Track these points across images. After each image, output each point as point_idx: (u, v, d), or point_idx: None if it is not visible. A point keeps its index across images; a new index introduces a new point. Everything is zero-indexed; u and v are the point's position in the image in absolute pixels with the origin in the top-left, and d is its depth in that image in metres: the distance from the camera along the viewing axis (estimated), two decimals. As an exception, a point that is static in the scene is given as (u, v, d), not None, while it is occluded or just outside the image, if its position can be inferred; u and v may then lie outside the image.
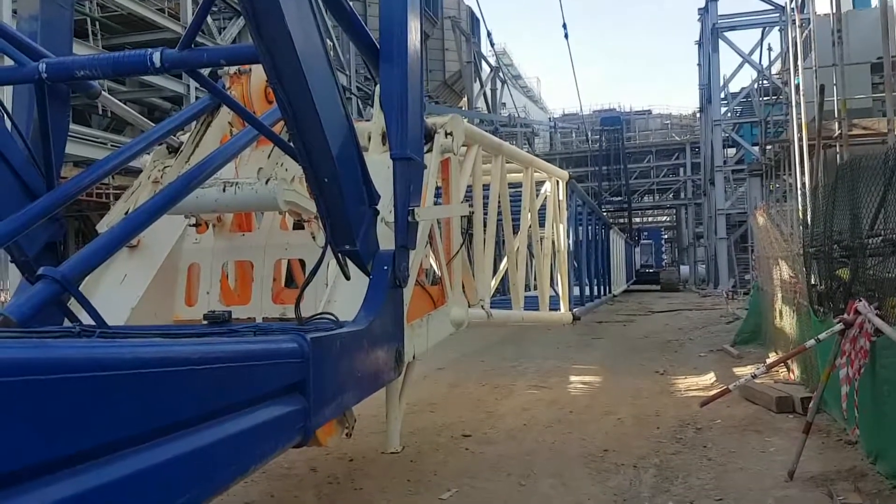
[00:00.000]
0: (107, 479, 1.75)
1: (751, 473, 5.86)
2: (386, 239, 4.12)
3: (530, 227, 8.33)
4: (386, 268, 3.87)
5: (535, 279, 10.42)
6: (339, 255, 3.74)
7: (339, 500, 5.39)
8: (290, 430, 2.81)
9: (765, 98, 35.73)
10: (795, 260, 8.75)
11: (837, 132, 11.38)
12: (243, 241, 5.01)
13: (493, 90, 46.59)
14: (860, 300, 5.30)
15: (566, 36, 28.00)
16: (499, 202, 6.91)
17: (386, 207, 4.18)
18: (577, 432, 7.54)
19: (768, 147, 20.49)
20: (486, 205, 6.64)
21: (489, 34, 40.23)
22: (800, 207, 9.21)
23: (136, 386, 1.88)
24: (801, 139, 11.94)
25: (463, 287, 6.02)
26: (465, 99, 43.84)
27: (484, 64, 45.70)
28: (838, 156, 11.41)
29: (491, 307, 8.56)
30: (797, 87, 12.77)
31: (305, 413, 2.87)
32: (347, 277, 3.94)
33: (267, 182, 4.35)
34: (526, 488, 5.65)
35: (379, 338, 3.71)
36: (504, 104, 48.13)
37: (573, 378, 11.15)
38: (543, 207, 9.58)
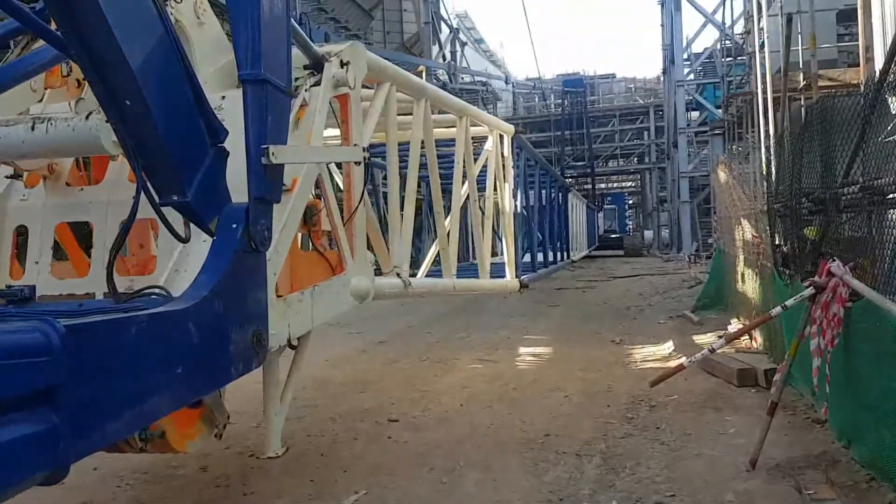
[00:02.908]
0: None
1: (708, 460, 5.13)
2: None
3: (466, 185, 7.42)
4: (235, 226, 2.94)
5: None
6: (163, 208, 2.79)
7: (219, 511, 4.50)
8: (25, 462, 1.88)
9: (727, 59, 35.23)
10: (759, 218, 8.03)
11: (803, 83, 10.65)
12: (82, 196, 4.00)
13: (453, 52, 45.16)
14: (833, 260, 4.53)
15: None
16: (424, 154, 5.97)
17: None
18: (517, 413, 6.76)
19: (731, 102, 19.77)
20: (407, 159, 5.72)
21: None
22: (763, 161, 8.47)
23: None
24: (764, 91, 11.19)
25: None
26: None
27: (444, 26, 44.17)
28: (803, 108, 10.68)
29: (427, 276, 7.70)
30: (760, 34, 11.97)
31: (55, 435, 1.94)
32: (182, 239, 3.00)
33: (88, 117, 3.36)
34: (447, 486, 4.82)
35: (219, 318, 2.79)
36: (465, 68, 46.67)
37: (522, 350, 10.39)
38: (487, 168, 8.65)
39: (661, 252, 42.24)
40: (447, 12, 41.92)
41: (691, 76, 39.74)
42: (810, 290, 4.58)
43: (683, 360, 5.19)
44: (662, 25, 42.99)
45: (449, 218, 6.70)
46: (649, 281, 22.14)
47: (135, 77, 2.48)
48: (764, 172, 8.66)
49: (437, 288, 6.05)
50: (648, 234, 50.08)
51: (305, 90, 3.95)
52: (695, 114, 41.46)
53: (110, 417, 2.19)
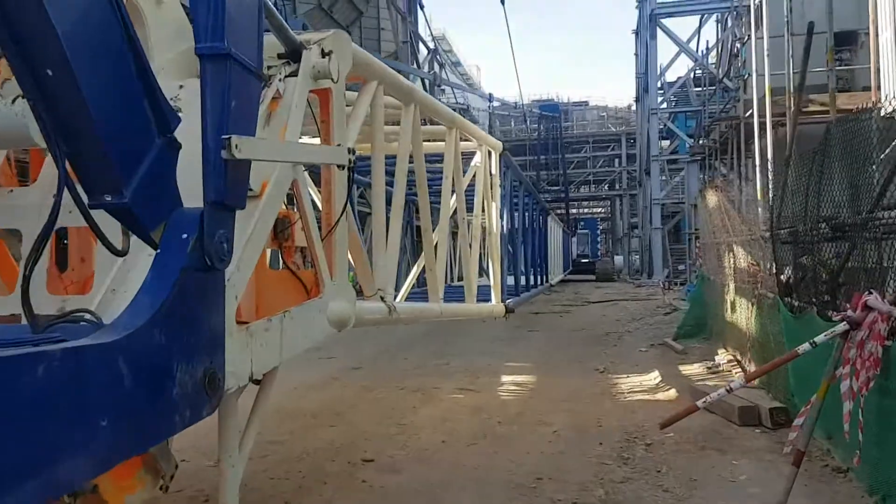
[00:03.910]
0: None
1: (722, 514, 4.60)
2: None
3: (454, 202, 6.87)
4: (185, 236, 2.33)
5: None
6: (91, 210, 2.19)
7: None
8: None
9: (698, 88, 35.53)
10: (757, 245, 7.62)
11: (795, 107, 10.37)
12: (11, 199, 3.35)
13: (432, 73, 44.83)
14: (870, 293, 4.06)
15: (503, 1, 25.93)
16: (412, 164, 5.41)
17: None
18: (504, 451, 6.17)
19: (713, 128, 19.59)
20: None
21: (422, 6, 37.98)
22: (759, 186, 8.11)
23: None
24: (762, 114, 10.85)
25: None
26: (401, 83, 41.62)
27: (422, 46, 43.89)
28: (790, 133, 10.37)
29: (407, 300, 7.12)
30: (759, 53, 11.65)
31: None
32: (117, 252, 2.39)
33: (14, 101, 2.75)
34: (432, 544, 4.21)
35: (159, 353, 2.17)
36: (444, 90, 46.39)
37: (505, 378, 9.82)
38: (473, 186, 8.12)
39: (631, 278, 42.17)
40: (429, 29, 41.57)
41: (664, 105, 40.01)
42: (843, 326, 4.10)
43: (697, 402, 4.66)
44: (636, 55, 43.33)
45: (436, 235, 6.14)
46: (624, 307, 21.81)
47: (60, 41, 1.90)
48: (760, 197, 8.28)
49: (424, 313, 5.47)
50: (619, 259, 50.16)
51: (280, 80, 3.38)
52: (665, 142, 41.74)
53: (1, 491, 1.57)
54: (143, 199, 2.26)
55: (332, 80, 3.53)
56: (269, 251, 4.20)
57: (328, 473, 5.52)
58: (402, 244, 19.35)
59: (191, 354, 2.33)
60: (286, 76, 3.41)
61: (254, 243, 2.93)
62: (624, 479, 5.35)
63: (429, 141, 7.53)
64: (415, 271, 7.79)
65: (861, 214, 4.43)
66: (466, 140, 7.78)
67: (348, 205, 3.60)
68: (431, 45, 43.75)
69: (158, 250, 2.34)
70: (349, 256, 4.45)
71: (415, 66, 41.77)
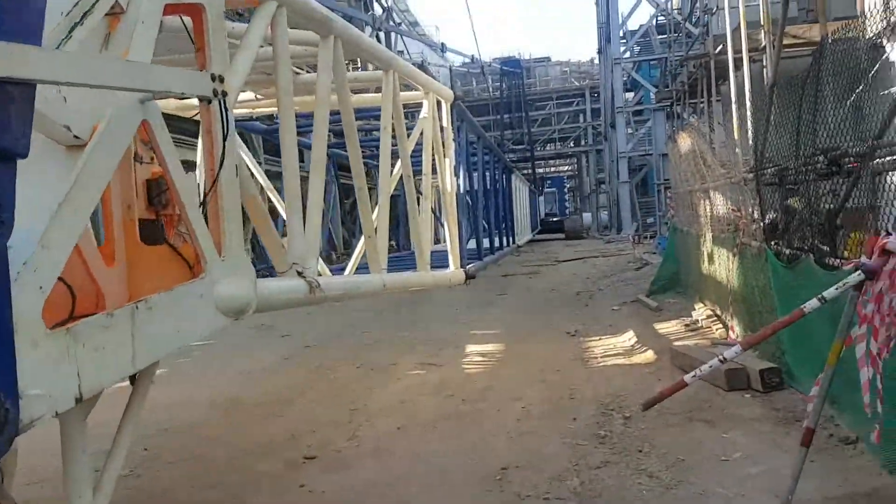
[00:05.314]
0: None
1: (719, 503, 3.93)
2: None
3: (398, 159, 6.03)
4: None
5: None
6: None
7: None
8: None
9: (662, 36, 34.78)
10: (737, 189, 6.93)
11: (764, 43, 9.66)
12: None
13: (388, 34, 43.24)
14: (889, 234, 3.35)
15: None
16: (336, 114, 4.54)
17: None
18: (468, 434, 5.48)
19: (680, 70, 18.81)
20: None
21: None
22: (735, 125, 7.40)
23: None
24: (737, 49, 10.07)
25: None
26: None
27: (376, 5, 42.21)
28: (765, 68, 9.68)
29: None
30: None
31: None
32: None
33: None
34: (376, 568, 3.48)
35: None
36: (401, 52, 44.82)
37: (471, 348, 9.11)
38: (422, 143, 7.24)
39: (600, 234, 41.88)
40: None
41: (627, 54, 39.20)
42: (857, 276, 3.40)
43: (685, 377, 3.96)
44: (597, 3, 42.30)
45: (377, 201, 5.32)
46: (594, 264, 21.30)
47: None
48: (736, 136, 7.56)
49: (360, 288, 4.66)
50: (587, 216, 49.79)
51: (118, -13, 2.50)
52: (630, 94, 41.08)
53: None
54: None
55: (202, -6, 2.64)
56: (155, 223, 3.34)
57: (261, 476, 4.75)
58: (350, 211, 18.12)
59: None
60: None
61: (76, 209, 2.08)
62: (602, 464, 4.67)
63: (365, 91, 6.67)
64: (363, 241, 6.96)
65: (868, 142, 3.72)
66: (412, 90, 6.91)
67: (228, 155, 2.74)
68: (386, 3, 42.07)
69: None
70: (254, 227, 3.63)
71: (369, 28, 39.98)
